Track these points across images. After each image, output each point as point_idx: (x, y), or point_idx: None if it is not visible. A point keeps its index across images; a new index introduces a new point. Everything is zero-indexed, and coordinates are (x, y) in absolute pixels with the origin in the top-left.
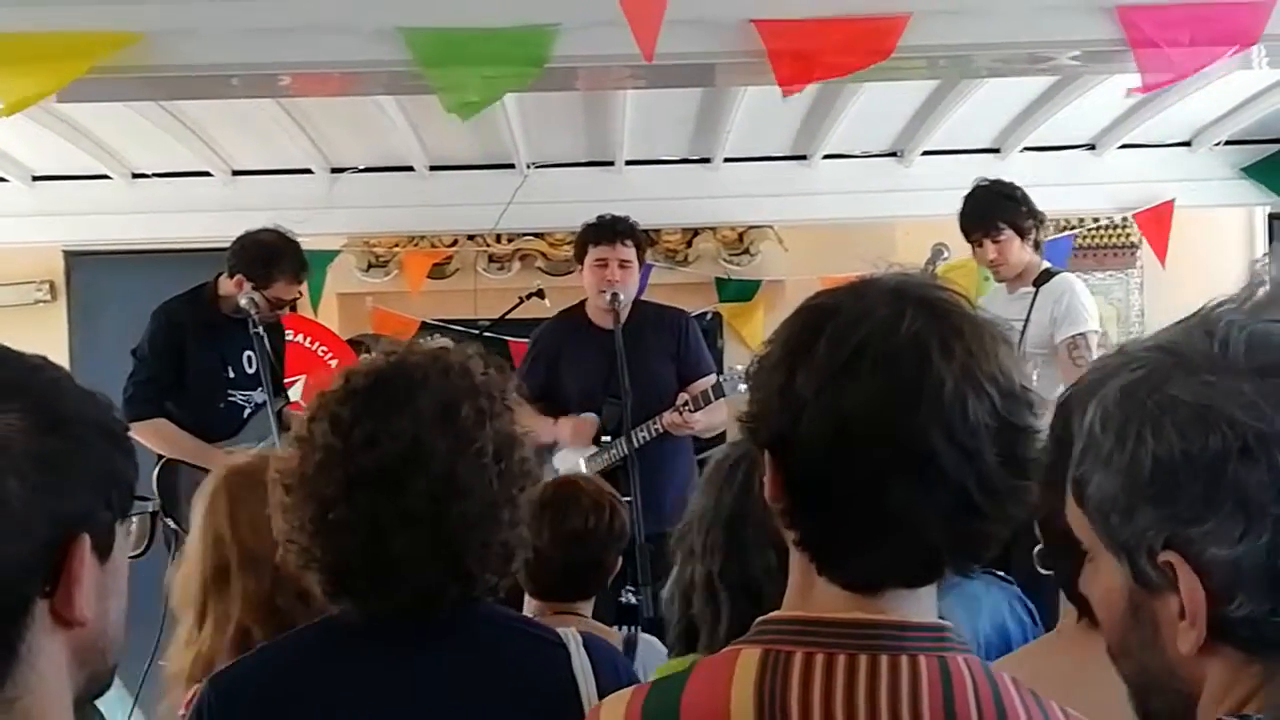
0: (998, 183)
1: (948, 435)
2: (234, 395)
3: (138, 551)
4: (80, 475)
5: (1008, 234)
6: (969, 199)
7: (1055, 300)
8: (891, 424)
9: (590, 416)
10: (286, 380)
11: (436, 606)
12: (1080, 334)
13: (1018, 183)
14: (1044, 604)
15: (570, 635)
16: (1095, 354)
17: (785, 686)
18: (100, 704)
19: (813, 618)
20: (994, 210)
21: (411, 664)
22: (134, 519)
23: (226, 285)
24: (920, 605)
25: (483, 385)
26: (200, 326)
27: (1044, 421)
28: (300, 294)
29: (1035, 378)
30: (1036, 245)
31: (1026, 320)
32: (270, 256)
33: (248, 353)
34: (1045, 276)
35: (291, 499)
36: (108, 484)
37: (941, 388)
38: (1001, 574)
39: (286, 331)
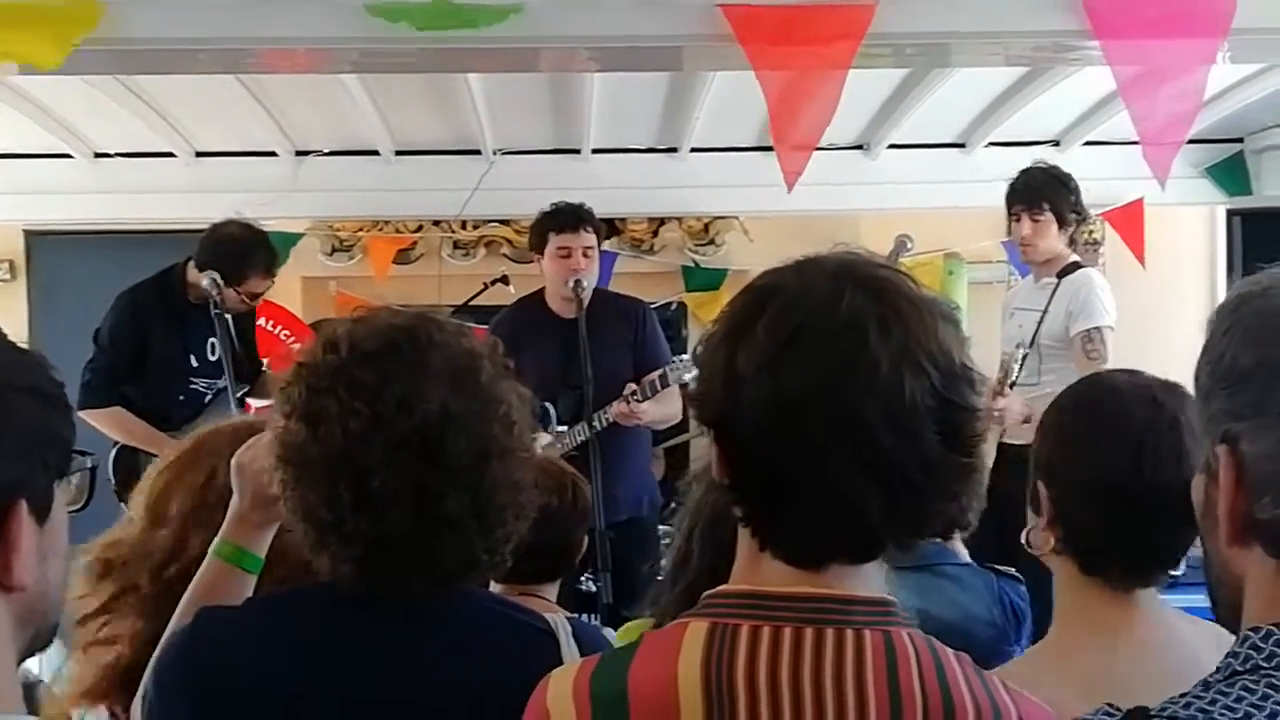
0: (1055, 168)
1: (884, 414)
2: (196, 383)
3: (77, 506)
4: (12, 443)
5: (1048, 216)
6: (1024, 173)
7: (1074, 293)
8: (828, 403)
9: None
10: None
11: (472, 577)
12: (1095, 328)
13: (982, 178)
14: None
15: (559, 623)
16: (1110, 350)
17: (732, 659)
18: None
19: (759, 591)
20: (1044, 190)
21: (394, 646)
22: (73, 476)
23: (194, 274)
24: (865, 580)
25: (480, 346)
26: (165, 314)
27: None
28: (272, 284)
29: (1040, 371)
30: (1072, 241)
31: (1044, 311)
32: (241, 253)
33: (212, 340)
34: (1070, 269)
35: (312, 476)
36: (42, 446)
37: (877, 367)
38: (1004, 568)
39: (259, 318)
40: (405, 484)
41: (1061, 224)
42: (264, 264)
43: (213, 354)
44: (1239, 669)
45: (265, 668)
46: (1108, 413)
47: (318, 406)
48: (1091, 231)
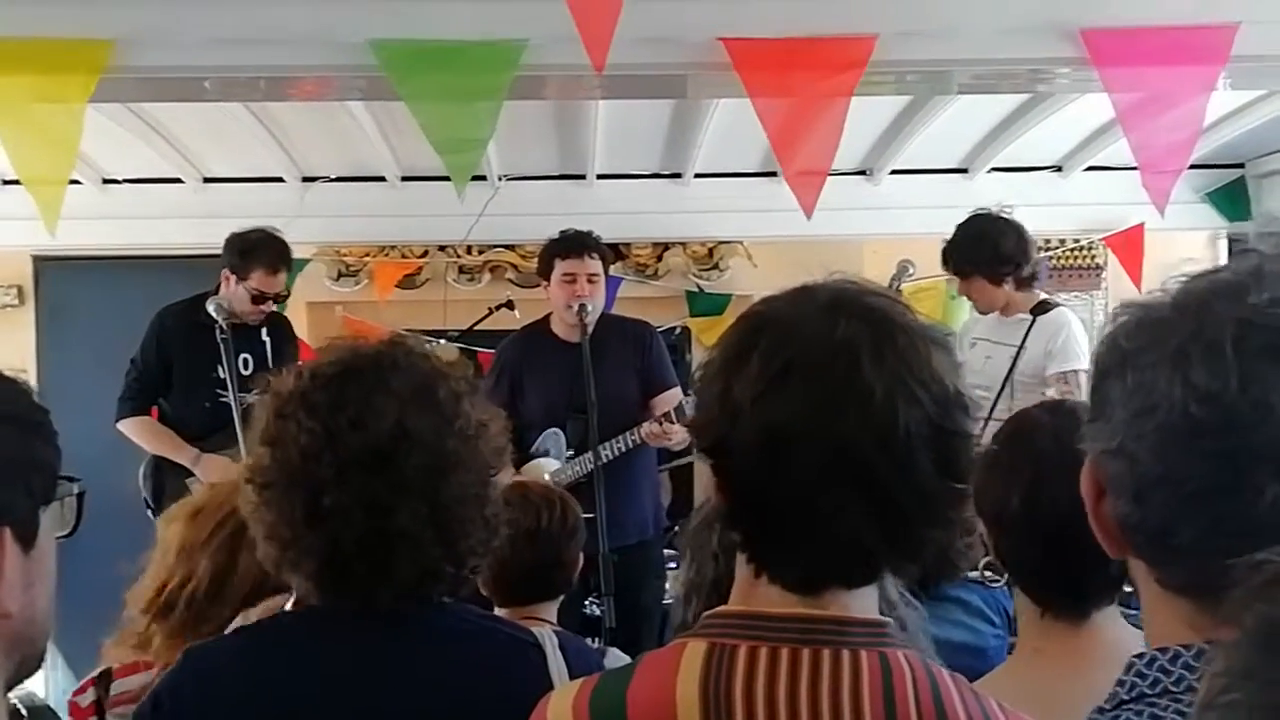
0: (982, 222)
1: (878, 443)
2: (225, 396)
3: (65, 532)
4: None
5: (974, 279)
6: (956, 231)
7: (1053, 334)
8: (821, 433)
9: (545, 462)
10: None
11: (433, 589)
12: (1073, 370)
13: (984, 203)
14: None
15: (546, 636)
16: (1084, 394)
17: (730, 679)
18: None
19: (757, 612)
20: (960, 256)
21: (384, 662)
22: (61, 501)
23: (224, 288)
24: (861, 602)
25: (447, 368)
26: (194, 330)
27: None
28: (285, 292)
29: (1012, 407)
30: (1024, 284)
31: (1021, 346)
32: (248, 247)
33: (244, 356)
34: (1043, 307)
35: (271, 495)
36: (26, 473)
37: (871, 396)
38: (985, 576)
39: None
40: (356, 499)
41: (993, 280)
42: (268, 259)
43: (246, 369)
44: (1125, 698)
45: (250, 686)
46: (1011, 447)
47: (279, 429)
48: (1094, 256)
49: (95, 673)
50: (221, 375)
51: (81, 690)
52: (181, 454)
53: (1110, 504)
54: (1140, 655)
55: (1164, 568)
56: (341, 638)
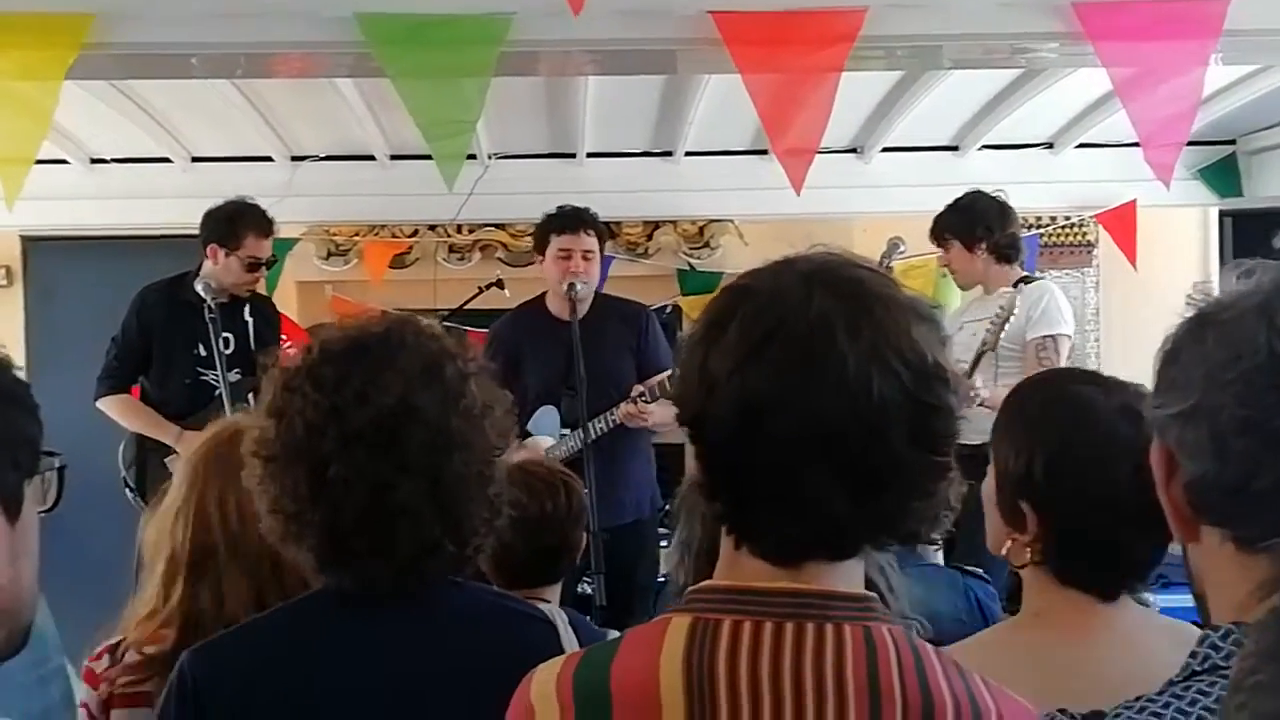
0: (965, 195)
1: (852, 415)
2: (205, 374)
3: (47, 507)
4: None
5: (951, 243)
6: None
7: (1034, 301)
8: (795, 405)
9: (541, 439)
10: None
11: (433, 565)
12: (1050, 335)
13: (975, 181)
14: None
15: (557, 613)
16: (1064, 359)
17: (713, 654)
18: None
19: (741, 586)
20: (938, 224)
21: (395, 639)
22: (42, 475)
23: (206, 265)
24: (845, 576)
25: (455, 347)
26: (177, 308)
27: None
28: (273, 258)
29: (997, 375)
30: (1002, 256)
31: (1009, 313)
32: (233, 215)
33: (226, 335)
34: (1026, 280)
35: (275, 467)
36: (10, 446)
37: (845, 367)
38: (970, 568)
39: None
40: (360, 475)
41: (969, 244)
42: (256, 223)
43: (227, 348)
44: (1197, 669)
45: (260, 672)
46: (1103, 433)
47: (285, 402)
48: (1085, 233)
49: (112, 641)
50: (202, 354)
51: (98, 657)
52: (163, 431)
53: (1182, 475)
54: (1216, 628)
55: (1243, 522)
56: (354, 618)
